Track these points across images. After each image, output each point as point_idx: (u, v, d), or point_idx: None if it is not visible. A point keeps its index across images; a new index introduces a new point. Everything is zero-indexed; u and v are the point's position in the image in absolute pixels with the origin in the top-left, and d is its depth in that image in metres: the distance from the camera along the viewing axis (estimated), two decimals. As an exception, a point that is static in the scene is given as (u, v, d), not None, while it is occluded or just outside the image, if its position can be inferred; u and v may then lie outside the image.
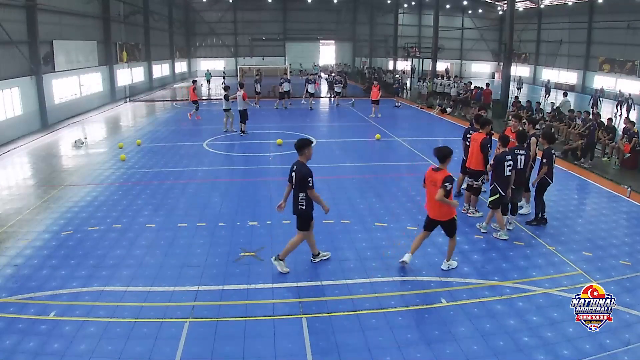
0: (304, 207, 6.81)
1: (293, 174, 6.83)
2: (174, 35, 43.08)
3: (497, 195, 8.20)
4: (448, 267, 7.22)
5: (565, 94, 22.36)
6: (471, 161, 9.17)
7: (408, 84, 34.91)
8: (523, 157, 8.42)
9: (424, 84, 29.74)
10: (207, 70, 41.36)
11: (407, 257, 7.22)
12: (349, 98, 28.63)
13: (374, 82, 25.77)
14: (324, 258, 7.50)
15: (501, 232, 8.39)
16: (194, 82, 23.52)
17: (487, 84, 23.56)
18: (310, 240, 7.28)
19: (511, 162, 8.13)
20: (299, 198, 6.80)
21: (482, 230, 8.66)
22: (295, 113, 24.97)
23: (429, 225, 7.14)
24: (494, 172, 8.25)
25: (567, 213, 9.77)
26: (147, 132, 18.90)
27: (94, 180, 12.13)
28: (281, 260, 7.11)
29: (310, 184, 6.68)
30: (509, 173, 8.15)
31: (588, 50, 37.09)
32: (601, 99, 27.32)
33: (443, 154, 6.72)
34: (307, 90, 26.36)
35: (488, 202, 8.50)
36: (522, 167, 8.43)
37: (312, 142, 6.97)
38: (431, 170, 6.92)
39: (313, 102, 26.39)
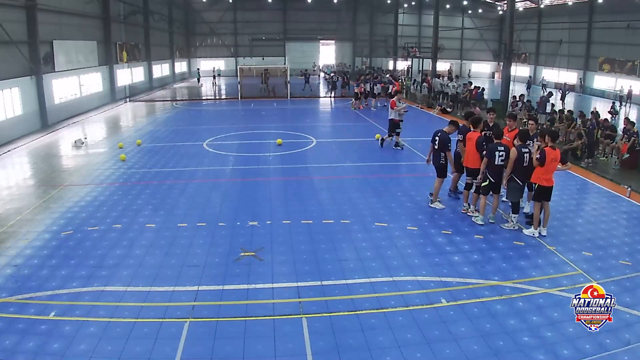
0: (443, 162, 9.75)
1: (437, 138, 9.67)
2: (174, 35, 43.07)
3: (488, 182, 8.81)
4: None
5: (450, 79, 27.00)
6: (468, 160, 9.40)
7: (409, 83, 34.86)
8: (527, 154, 8.52)
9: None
10: (198, 69, 43.34)
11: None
12: (349, 98, 28.59)
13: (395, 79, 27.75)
14: (438, 207, 9.79)
15: (478, 217, 9.02)
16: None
17: (470, 82, 26.62)
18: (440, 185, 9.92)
19: (503, 153, 8.60)
20: (441, 156, 9.73)
21: (490, 221, 9.02)
22: (295, 113, 24.98)
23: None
24: (487, 161, 8.80)
25: (567, 213, 9.77)
26: (147, 132, 18.89)
27: (94, 180, 12.13)
28: (435, 201, 9.84)
29: (449, 148, 9.64)
30: (501, 162, 8.64)
31: (588, 50, 37.07)
32: (568, 92, 29.05)
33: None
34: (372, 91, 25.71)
35: (479, 188, 9.04)
36: (527, 163, 8.52)
37: (459, 124, 9.93)
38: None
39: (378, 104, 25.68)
